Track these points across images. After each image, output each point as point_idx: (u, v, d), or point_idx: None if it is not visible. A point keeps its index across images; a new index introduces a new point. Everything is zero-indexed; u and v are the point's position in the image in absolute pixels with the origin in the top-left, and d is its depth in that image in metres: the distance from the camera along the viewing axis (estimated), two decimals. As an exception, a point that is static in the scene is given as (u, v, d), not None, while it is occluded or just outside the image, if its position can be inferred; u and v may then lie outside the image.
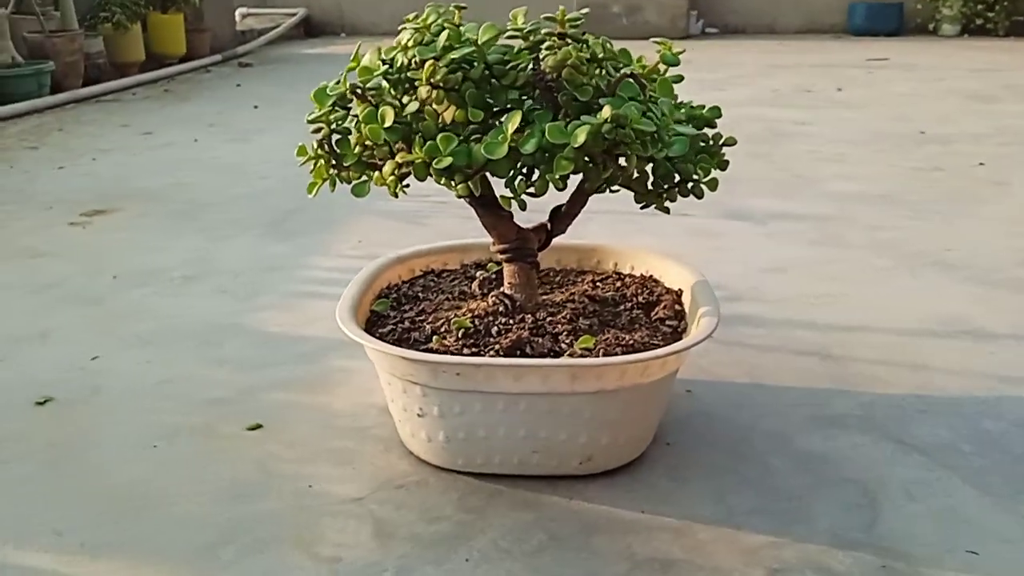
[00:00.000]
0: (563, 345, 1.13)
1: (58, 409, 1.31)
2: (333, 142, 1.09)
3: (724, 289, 1.75)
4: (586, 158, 1.02)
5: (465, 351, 1.11)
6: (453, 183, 1.01)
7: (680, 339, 1.18)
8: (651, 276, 1.35)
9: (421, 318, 1.21)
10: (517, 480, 1.11)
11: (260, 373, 1.41)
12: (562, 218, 1.24)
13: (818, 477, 1.13)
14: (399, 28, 1.15)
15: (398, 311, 1.25)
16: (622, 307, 1.26)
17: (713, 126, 1.17)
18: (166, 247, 2.06)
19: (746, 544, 1.00)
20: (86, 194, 2.54)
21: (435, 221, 2.21)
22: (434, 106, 1.02)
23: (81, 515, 1.06)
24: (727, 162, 1.18)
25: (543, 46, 1.03)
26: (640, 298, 1.28)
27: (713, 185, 1.14)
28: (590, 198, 1.20)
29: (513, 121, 0.97)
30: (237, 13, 7.37)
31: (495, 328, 1.16)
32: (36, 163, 2.95)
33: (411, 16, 1.16)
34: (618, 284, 1.33)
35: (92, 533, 1.03)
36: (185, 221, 2.28)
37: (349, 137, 1.08)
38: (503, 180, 1.05)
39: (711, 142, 1.16)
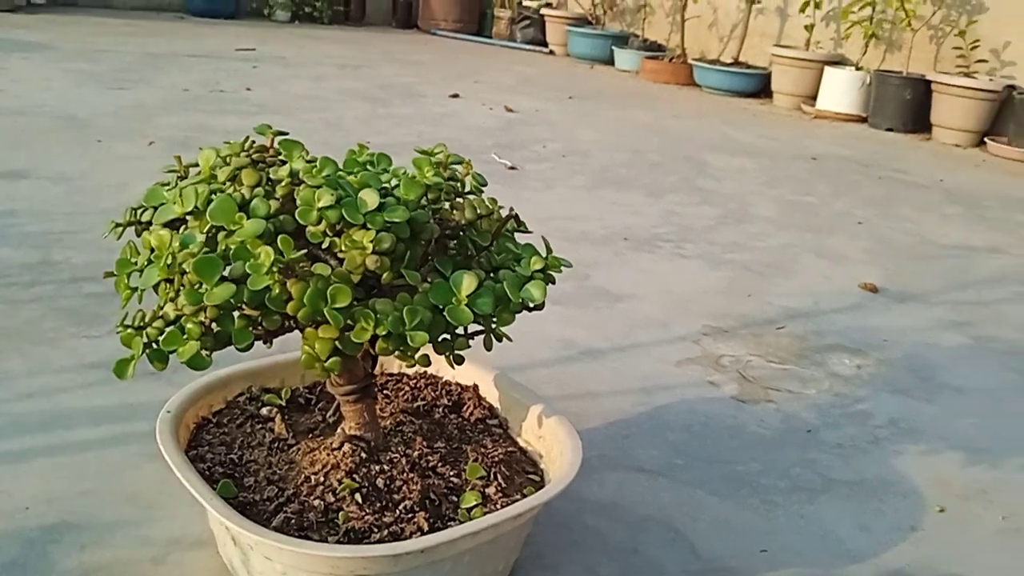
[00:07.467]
0: (452, 479, 1.12)
1: None
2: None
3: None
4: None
5: (375, 517, 1.02)
6: (408, 354, 0.92)
7: (510, 437, 1.26)
8: (427, 373, 1.36)
9: (282, 494, 1.04)
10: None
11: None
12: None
13: (626, 523, 1.34)
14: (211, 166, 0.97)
15: (244, 489, 1.05)
16: (436, 415, 1.27)
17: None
18: None
19: (648, 609, 1.17)
20: None
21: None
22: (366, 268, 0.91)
23: None
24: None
25: (443, 197, 0.99)
26: (445, 400, 1.30)
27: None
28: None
29: (469, 283, 0.93)
30: None
31: (380, 480, 1.08)
32: None
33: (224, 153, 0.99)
34: (408, 388, 1.32)
35: None
36: None
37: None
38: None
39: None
